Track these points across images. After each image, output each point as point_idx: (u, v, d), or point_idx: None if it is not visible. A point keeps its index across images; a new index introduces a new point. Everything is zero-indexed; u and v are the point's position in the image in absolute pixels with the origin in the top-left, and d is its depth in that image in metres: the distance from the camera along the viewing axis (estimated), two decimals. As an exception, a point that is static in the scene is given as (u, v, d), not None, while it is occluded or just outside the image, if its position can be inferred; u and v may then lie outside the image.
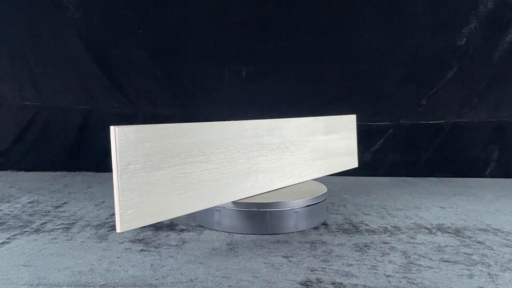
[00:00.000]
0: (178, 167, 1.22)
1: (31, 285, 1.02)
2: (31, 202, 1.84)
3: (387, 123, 2.57)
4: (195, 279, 1.07)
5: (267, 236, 1.41)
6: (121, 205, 1.09)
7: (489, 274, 1.12)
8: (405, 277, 1.09)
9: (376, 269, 1.14)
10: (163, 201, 1.18)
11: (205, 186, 1.30)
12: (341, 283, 1.05)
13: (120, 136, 1.09)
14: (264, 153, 1.54)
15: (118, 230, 1.09)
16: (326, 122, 1.85)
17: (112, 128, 1.08)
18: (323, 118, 1.84)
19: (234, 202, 1.43)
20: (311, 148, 1.75)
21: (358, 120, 2.09)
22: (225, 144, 1.37)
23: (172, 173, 1.20)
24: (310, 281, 1.06)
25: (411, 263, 1.19)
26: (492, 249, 1.31)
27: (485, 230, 1.51)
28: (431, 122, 2.57)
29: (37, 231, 1.44)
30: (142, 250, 1.26)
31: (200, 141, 1.29)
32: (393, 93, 2.58)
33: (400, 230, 1.50)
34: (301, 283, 1.05)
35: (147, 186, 1.14)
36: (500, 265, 1.18)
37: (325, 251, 1.27)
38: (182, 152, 1.24)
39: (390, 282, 1.06)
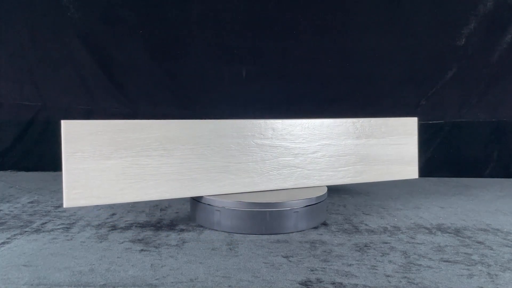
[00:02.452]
0: (131, 159, 1.38)
1: (31, 285, 1.02)
2: (31, 202, 1.84)
3: (387, 123, 2.57)
4: (195, 279, 1.07)
5: (267, 236, 1.41)
6: (66, 185, 1.31)
7: (489, 274, 1.12)
8: (405, 277, 1.09)
9: (376, 269, 1.14)
10: (112, 187, 1.36)
11: (163, 178, 1.42)
12: (341, 283, 1.05)
13: (66, 129, 1.32)
14: (249, 153, 1.55)
15: (64, 205, 1.31)
16: (359, 125, 1.73)
17: (61, 122, 1.32)
18: (352, 120, 1.72)
19: (234, 202, 1.43)
20: (328, 152, 1.67)
21: None
22: (194, 141, 1.47)
23: (124, 163, 1.37)
24: (310, 281, 1.06)
25: (411, 263, 1.19)
26: (492, 249, 1.32)
27: (485, 230, 1.51)
28: (431, 122, 2.58)
29: (37, 231, 1.44)
30: (142, 250, 1.27)
31: (160, 137, 1.42)
32: (393, 93, 2.58)
33: (400, 230, 1.50)
34: (301, 283, 1.05)
35: (94, 172, 1.33)
36: (500, 265, 1.18)
37: (325, 251, 1.27)
38: (137, 146, 1.39)
39: (390, 282, 1.06)
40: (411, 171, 1.84)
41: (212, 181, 1.50)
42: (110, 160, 1.35)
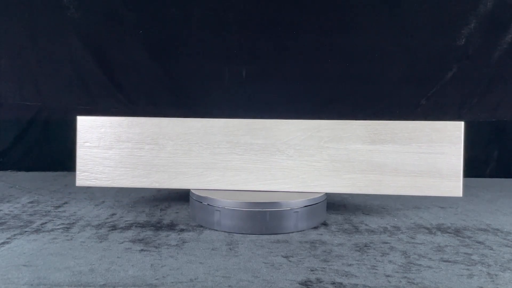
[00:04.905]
0: (128, 150, 1.61)
1: (31, 285, 1.02)
2: (31, 202, 1.84)
3: (387, 123, 2.57)
4: (195, 279, 1.07)
5: (267, 236, 1.41)
6: (78, 168, 1.63)
7: (488, 274, 1.12)
8: (405, 277, 1.09)
9: (376, 269, 1.14)
10: (112, 172, 1.61)
11: (154, 169, 1.60)
12: (341, 283, 1.05)
13: (80, 123, 1.63)
14: (238, 152, 1.57)
15: (76, 184, 1.63)
16: (373, 128, 1.53)
17: (77, 117, 1.63)
18: (361, 122, 1.54)
19: (234, 202, 1.43)
20: (331, 157, 1.54)
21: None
22: (183, 138, 1.60)
23: (121, 153, 1.61)
24: (310, 281, 1.06)
25: (411, 263, 1.19)
26: (492, 249, 1.31)
27: (485, 230, 1.51)
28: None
29: (37, 231, 1.44)
30: (142, 250, 1.27)
31: (153, 133, 1.61)
32: (393, 93, 2.58)
33: (400, 230, 1.50)
34: (301, 283, 1.05)
35: (99, 159, 1.61)
36: (500, 265, 1.18)
37: (325, 251, 1.27)
38: (133, 139, 1.61)
39: (390, 282, 1.06)
40: (452, 187, 1.50)
41: (199, 176, 1.59)
42: (111, 150, 1.61)
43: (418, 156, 1.51)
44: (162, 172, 1.59)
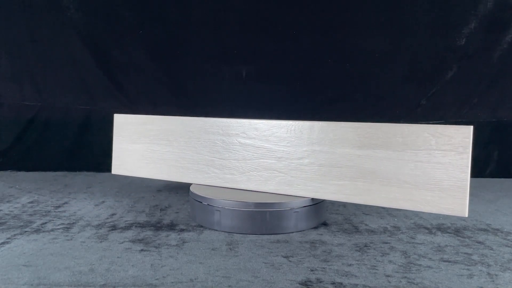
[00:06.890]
0: (147, 145, 1.81)
1: (31, 285, 1.02)
2: (31, 202, 1.84)
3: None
4: (195, 279, 1.07)
5: (267, 236, 1.41)
6: (114, 158, 1.92)
7: (488, 274, 1.12)
8: (405, 277, 1.09)
9: (376, 269, 1.14)
10: (135, 164, 1.85)
11: (166, 163, 1.77)
12: (341, 283, 1.05)
13: (116, 120, 1.92)
14: (232, 150, 1.61)
15: (112, 172, 1.92)
16: (364, 131, 1.37)
17: (114, 114, 1.92)
18: (351, 124, 1.40)
19: (234, 202, 1.43)
20: (318, 161, 1.44)
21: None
22: (187, 135, 1.72)
23: (143, 147, 1.82)
24: (310, 281, 1.06)
25: (411, 263, 1.19)
26: (492, 249, 1.32)
27: (485, 230, 1.51)
28: (431, 122, 2.58)
29: (37, 231, 1.44)
30: (142, 250, 1.27)
31: (165, 130, 1.77)
32: (393, 93, 2.58)
33: (400, 230, 1.50)
34: (301, 283, 1.05)
35: (127, 151, 1.87)
36: (500, 265, 1.18)
37: (325, 251, 1.27)
38: (151, 135, 1.80)
39: (390, 282, 1.06)
40: (455, 205, 1.25)
41: (199, 172, 1.69)
42: (135, 144, 1.84)
43: (414, 165, 1.30)
44: (171, 167, 1.75)
